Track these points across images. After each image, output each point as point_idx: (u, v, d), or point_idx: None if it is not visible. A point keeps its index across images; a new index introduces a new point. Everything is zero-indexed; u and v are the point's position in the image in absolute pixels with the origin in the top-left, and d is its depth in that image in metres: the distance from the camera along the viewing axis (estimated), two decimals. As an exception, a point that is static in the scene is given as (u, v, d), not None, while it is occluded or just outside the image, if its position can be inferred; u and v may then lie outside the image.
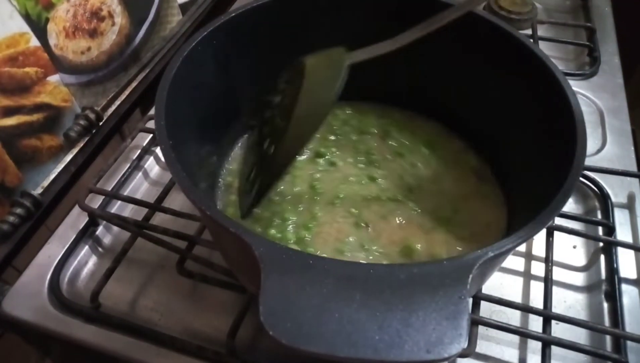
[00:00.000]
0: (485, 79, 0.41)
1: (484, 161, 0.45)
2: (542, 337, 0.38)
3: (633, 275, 0.44)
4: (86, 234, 0.48)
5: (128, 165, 0.53)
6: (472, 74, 0.42)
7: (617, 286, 0.42)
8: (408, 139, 0.47)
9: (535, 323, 0.41)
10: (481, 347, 0.39)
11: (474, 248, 0.36)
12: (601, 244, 0.46)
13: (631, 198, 0.49)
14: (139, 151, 0.54)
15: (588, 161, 0.51)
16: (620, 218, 0.47)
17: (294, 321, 0.22)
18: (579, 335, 0.40)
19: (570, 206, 0.50)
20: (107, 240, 0.48)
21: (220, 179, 0.44)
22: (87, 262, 0.47)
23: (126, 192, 0.51)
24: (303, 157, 0.45)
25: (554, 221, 0.46)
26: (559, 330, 0.40)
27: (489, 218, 0.41)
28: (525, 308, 0.41)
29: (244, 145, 0.47)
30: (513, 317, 0.41)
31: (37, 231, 0.49)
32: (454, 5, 0.37)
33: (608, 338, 0.40)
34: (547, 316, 0.40)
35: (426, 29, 0.36)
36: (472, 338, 0.38)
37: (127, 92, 0.59)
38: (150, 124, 0.54)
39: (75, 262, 0.46)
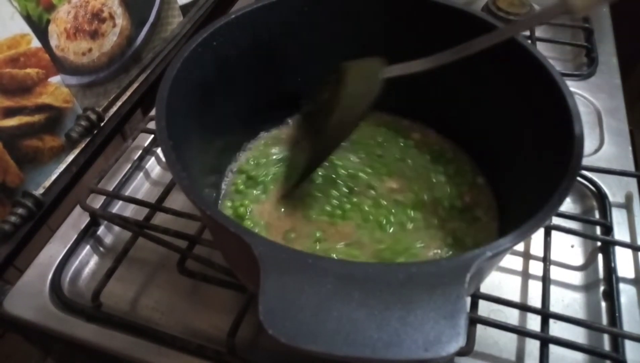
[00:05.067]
0: (482, 79, 0.41)
1: (479, 161, 0.45)
2: (540, 335, 0.39)
3: (631, 274, 0.44)
4: (87, 234, 0.48)
5: (129, 165, 0.53)
6: (468, 74, 0.42)
7: (614, 285, 0.43)
8: (398, 140, 0.48)
9: (534, 322, 0.41)
10: (479, 345, 0.40)
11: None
12: (599, 243, 0.46)
13: (629, 198, 0.49)
14: (140, 151, 0.54)
15: (586, 161, 0.51)
16: (618, 218, 0.48)
17: (293, 320, 0.22)
18: (577, 334, 0.40)
19: (568, 205, 0.50)
20: (108, 239, 0.49)
21: (221, 180, 0.45)
22: (88, 262, 0.47)
23: (127, 192, 0.52)
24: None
25: (551, 221, 0.46)
26: (557, 328, 0.40)
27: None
28: (524, 307, 0.41)
29: (244, 145, 0.47)
30: (511, 316, 0.42)
31: (39, 231, 0.49)
32: (500, 28, 0.38)
33: (606, 337, 0.41)
34: (545, 315, 0.40)
35: (465, 52, 0.37)
36: (471, 337, 0.38)
37: (128, 93, 0.59)
38: (152, 125, 0.55)
39: (77, 262, 0.46)
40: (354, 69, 0.39)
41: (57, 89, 0.49)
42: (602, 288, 0.44)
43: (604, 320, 0.42)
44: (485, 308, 0.41)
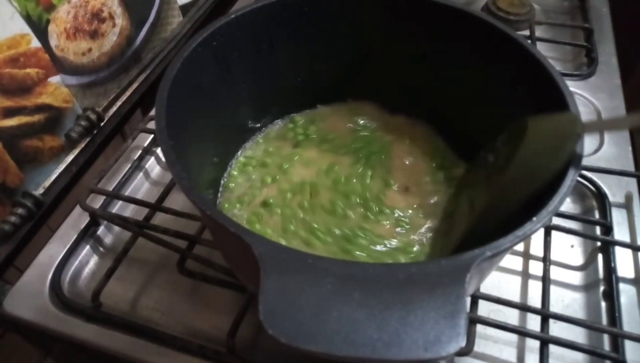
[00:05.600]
0: (482, 80, 0.41)
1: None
2: (540, 335, 0.39)
3: (630, 274, 0.44)
4: (87, 234, 0.48)
5: (129, 165, 0.53)
6: (468, 75, 0.42)
7: (614, 285, 0.43)
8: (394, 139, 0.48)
9: (533, 322, 0.41)
10: (479, 345, 0.40)
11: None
12: (599, 243, 0.46)
13: (629, 198, 0.49)
14: (140, 151, 0.54)
15: (586, 161, 0.51)
16: (618, 218, 0.48)
17: (293, 320, 0.22)
18: (577, 334, 0.41)
19: (568, 205, 0.50)
20: (108, 239, 0.49)
21: (221, 180, 0.45)
22: (88, 262, 0.47)
23: (127, 192, 0.52)
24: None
25: (551, 221, 0.46)
26: (556, 328, 0.40)
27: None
28: (524, 307, 0.41)
29: (244, 145, 0.48)
30: (511, 316, 0.42)
31: (39, 231, 0.49)
32: None
33: (606, 337, 0.41)
34: (545, 315, 0.40)
35: None
36: (471, 337, 0.38)
37: (128, 93, 0.59)
38: (151, 125, 0.55)
39: (77, 262, 0.46)
40: (541, 122, 0.33)
41: (57, 89, 0.49)
42: (602, 288, 0.44)
43: (604, 320, 0.42)
44: (485, 308, 0.41)
